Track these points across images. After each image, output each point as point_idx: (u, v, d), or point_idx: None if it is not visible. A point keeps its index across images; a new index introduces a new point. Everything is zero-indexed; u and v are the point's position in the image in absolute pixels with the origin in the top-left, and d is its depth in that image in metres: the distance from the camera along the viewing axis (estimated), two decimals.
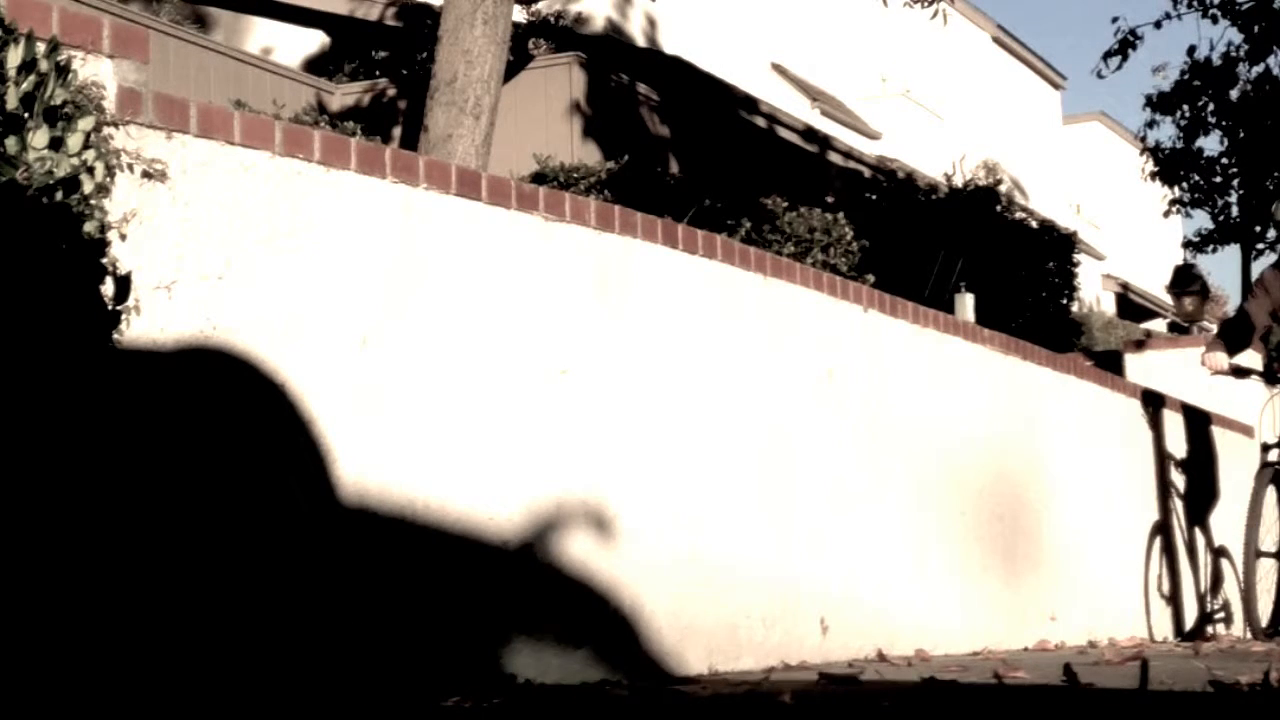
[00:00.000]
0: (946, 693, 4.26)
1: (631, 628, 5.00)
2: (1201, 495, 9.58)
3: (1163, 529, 9.16)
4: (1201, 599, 9.50)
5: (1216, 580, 9.59)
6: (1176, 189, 21.81)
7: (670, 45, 19.55)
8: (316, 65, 17.48)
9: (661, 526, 5.16)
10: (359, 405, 4.20)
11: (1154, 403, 9.20)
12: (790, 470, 5.83)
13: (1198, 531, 9.50)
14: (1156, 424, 9.23)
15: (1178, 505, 9.36)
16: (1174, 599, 9.22)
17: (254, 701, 3.75)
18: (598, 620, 4.88)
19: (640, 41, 19.47)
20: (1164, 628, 9.07)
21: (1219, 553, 9.59)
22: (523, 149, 13.72)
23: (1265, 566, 8.55)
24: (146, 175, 3.70)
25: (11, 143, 3.23)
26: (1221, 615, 9.54)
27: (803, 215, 11.45)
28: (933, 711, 3.79)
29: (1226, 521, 9.44)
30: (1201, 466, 9.60)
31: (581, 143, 15.18)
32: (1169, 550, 9.26)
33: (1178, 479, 9.38)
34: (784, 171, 17.65)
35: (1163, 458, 9.26)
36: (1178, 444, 9.46)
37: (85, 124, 3.40)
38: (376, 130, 13.74)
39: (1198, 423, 9.73)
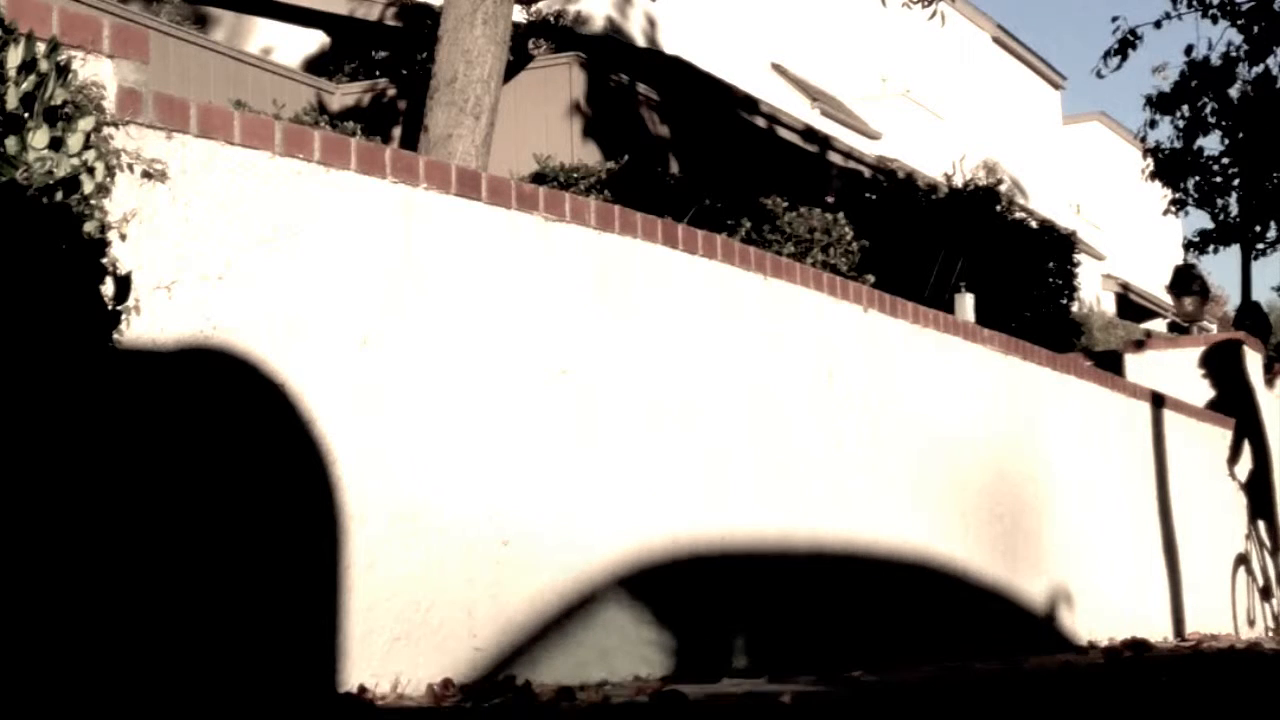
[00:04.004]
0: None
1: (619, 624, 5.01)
2: (1266, 515, 9.96)
3: (1245, 560, 9.63)
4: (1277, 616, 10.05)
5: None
6: (1177, 190, 21.76)
7: (670, 45, 19.53)
8: (316, 65, 17.46)
9: (665, 527, 5.16)
10: (359, 405, 4.20)
11: (1244, 432, 9.69)
12: (790, 470, 5.82)
13: (1267, 554, 9.98)
14: (1237, 451, 9.64)
15: (1257, 530, 9.84)
16: (1177, 602, 9.39)
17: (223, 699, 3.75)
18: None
19: (640, 41, 19.46)
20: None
21: None
22: (523, 149, 13.70)
23: None
24: (146, 175, 3.70)
25: (11, 143, 3.23)
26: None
27: (803, 215, 11.43)
28: None
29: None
30: (1266, 486, 10.00)
31: (581, 143, 15.16)
32: (1248, 573, 9.75)
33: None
34: (784, 171, 17.62)
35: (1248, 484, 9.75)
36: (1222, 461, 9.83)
37: (85, 124, 3.40)
38: (376, 130, 13.71)
39: (1259, 443, 9.98)
